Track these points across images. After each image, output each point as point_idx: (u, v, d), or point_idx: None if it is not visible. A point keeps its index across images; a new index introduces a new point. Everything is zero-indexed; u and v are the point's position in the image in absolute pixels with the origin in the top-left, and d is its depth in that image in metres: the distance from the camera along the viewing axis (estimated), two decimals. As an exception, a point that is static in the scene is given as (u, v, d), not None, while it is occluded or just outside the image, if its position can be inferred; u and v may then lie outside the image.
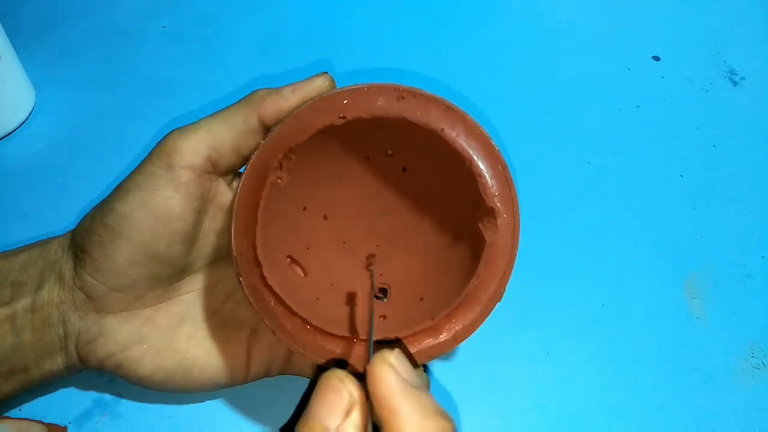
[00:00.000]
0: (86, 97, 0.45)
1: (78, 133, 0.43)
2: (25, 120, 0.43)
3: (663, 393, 0.34)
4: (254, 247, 0.24)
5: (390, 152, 0.28)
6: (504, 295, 0.25)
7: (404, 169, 0.28)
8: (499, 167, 0.25)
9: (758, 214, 0.41)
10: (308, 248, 0.28)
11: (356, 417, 0.19)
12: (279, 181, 0.25)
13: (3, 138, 0.42)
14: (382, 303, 0.27)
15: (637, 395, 0.33)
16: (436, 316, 0.24)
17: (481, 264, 0.24)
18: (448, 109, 0.24)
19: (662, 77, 0.50)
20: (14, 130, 0.43)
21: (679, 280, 0.38)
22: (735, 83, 0.50)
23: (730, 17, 0.55)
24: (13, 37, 0.42)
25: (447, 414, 0.18)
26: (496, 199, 0.24)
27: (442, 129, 0.24)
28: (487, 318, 0.25)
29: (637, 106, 0.48)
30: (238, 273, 0.24)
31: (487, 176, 0.24)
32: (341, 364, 0.25)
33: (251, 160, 0.24)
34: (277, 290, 0.24)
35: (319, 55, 0.49)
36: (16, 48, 0.42)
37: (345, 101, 0.24)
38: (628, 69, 0.50)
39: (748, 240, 0.40)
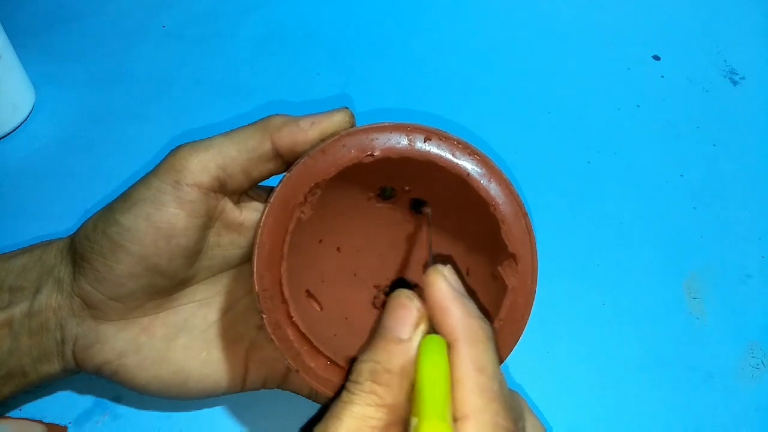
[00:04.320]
0: (86, 97, 0.45)
1: (77, 133, 0.43)
2: (25, 120, 0.43)
3: (663, 392, 0.34)
4: (280, 284, 0.24)
5: (407, 188, 0.28)
6: (521, 337, 0.26)
7: (419, 205, 0.28)
8: (520, 213, 0.25)
9: (758, 214, 0.41)
10: (323, 281, 0.28)
11: (423, 328, 0.21)
12: (302, 215, 0.25)
13: (3, 138, 0.42)
14: None
15: (637, 394, 0.33)
16: None
17: (503, 308, 0.25)
18: (474, 153, 0.25)
19: (662, 77, 0.50)
20: (14, 130, 0.43)
21: (679, 280, 0.38)
22: (735, 83, 0.50)
23: (730, 17, 0.55)
24: (13, 37, 0.42)
25: (485, 318, 0.21)
26: (517, 244, 0.25)
27: (468, 174, 0.25)
28: (509, 356, 0.26)
29: (637, 106, 0.48)
30: (261, 310, 0.24)
31: (509, 222, 0.25)
32: None
33: (275, 193, 0.24)
34: (304, 329, 0.24)
35: (318, 55, 0.49)
36: (16, 48, 0.42)
37: (373, 139, 0.25)
38: (628, 69, 0.50)
39: (748, 240, 0.40)
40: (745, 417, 0.33)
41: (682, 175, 0.43)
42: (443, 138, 0.25)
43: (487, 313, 0.26)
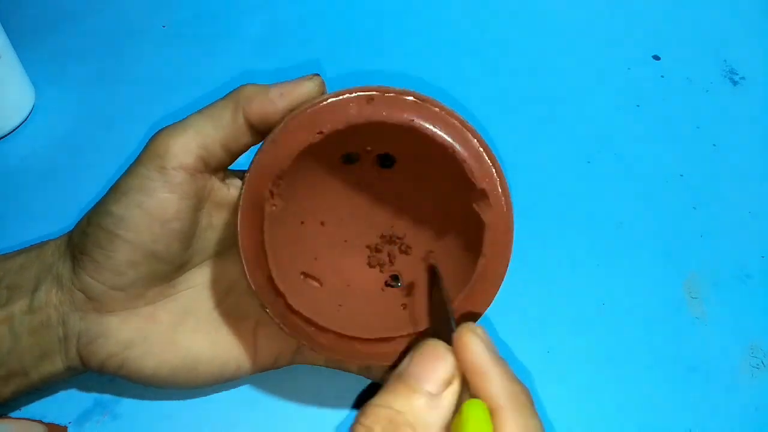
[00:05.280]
0: (86, 97, 0.45)
1: (78, 133, 0.43)
2: (25, 120, 0.43)
3: (662, 392, 0.34)
4: (272, 279, 0.24)
5: (369, 148, 0.28)
6: (508, 267, 0.26)
7: (386, 160, 0.29)
8: (480, 148, 0.25)
9: (758, 214, 0.41)
10: (316, 258, 0.28)
11: (456, 387, 0.20)
12: (274, 208, 0.25)
13: (3, 138, 0.42)
14: (399, 292, 0.29)
15: (636, 394, 0.33)
16: (454, 299, 0.26)
17: (485, 244, 0.25)
18: (420, 100, 0.25)
19: (662, 77, 0.50)
20: (14, 129, 0.43)
21: (679, 280, 0.38)
22: (735, 83, 0.50)
23: (730, 17, 0.55)
24: (13, 36, 0.42)
25: (522, 382, 0.20)
26: (484, 179, 0.25)
27: (420, 123, 0.25)
28: (498, 291, 0.26)
29: (637, 106, 0.48)
30: (263, 305, 0.24)
31: (470, 160, 0.25)
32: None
33: (242, 194, 0.25)
34: (306, 313, 0.25)
35: (318, 55, 0.49)
36: (17, 47, 0.42)
37: (318, 115, 0.25)
38: (628, 68, 0.50)
39: (748, 240, 0.40)
40: (745, 417, 0.33)
41: (682, 175, 0.43)
42: (386, 93, 0.25)
43: (470, 256, 0.26)
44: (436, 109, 0.25)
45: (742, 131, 0.46)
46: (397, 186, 0.29)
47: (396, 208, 0.30)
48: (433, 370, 0.20)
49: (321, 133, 0.24)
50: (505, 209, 0.25)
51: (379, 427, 0.19)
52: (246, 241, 0.24)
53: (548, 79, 0.49)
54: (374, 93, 0.25)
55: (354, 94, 0.25)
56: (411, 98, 0.25)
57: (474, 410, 0.19)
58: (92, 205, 0.27)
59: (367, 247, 0.30)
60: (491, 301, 0.26)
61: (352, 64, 0.49)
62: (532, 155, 0.43)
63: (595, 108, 0.47)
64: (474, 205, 0.26)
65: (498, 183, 0.25)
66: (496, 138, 0.44)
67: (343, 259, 0.29)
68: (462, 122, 0.25)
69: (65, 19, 0.50)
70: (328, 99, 0.25)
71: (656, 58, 0.51)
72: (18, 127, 0.43)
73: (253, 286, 0.24)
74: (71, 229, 0.28)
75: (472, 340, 0.20)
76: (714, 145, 0.45)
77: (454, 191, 0.27)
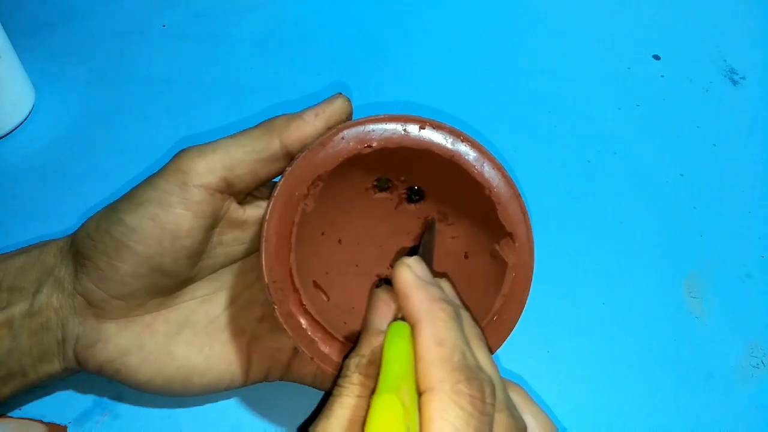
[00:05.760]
0: (86, 96, 0.45)
1: (77, 133, 0.43)
2: (25, 119, 0.43)
3: (663, 392, 0.34)
4: (291, 274, 0.24)
5: (403, 178, 0.28)
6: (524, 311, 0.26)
7: (415, 194, 0.29)
8: (514, 194, 0.26)
9: (758, 214, 0.41)
10: (327, 273, 0.28)
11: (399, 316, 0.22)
12: (306, 207, 0.25)
13: (3, 138, 0.42)
14: None
15: (636, 394, 0.33)
16: None
17: (505, 285, 0.26)
18: (467, 140, 0.26)
19: (662, 76, 0.50)
20: (14, 129, 0.43)
21: (679, 280, 0.38)
22: (735, 83, 0.50)
23: (730, 17, 0.55)
24: (12, 36, 0.42)
25: (451, 300, 0.22)
26: (514, 224, 0.26)
27: (463, 159, 0.26)
28: (512, 332, 0.27)
29: (637, 105, 0.48)
30: (272, 301, 0.24)
31: (505, 203, 0.26)
32: None
33: (278, 188, 0.25)
34: (317, 317, 0.25)
35: (318, 55, 0.49)
36: (16, 47, 0.42)
37: (370, 131, 0.25)
38: (628, 68, 0.50)
39: (747, 240, 0.40)
40: (745, 417, 0.33)
41: (682, 175, 0.43)
42: (437, 126, 0.26)
43: (486, 293, 0.26)
44: (479, 147, 0.26)
45: (742, 131, 0.46)
46: (418, 223, 0.29)
47: (413, 241, 0.30)
48: (382, 313, 0.22)
49: (370, 146, 0.25)
50: (528, 256, 0.26)
51: (351, 372, 0.21)
52: (272, 231, 0.24)
53: (548, 79, 0.49)
54: (426, 123, 0.26)
55: (406, 120, 0.26)
56: (457, 134, 0.26)
57: (391, 329, 0.21)
58: (93, 205, 0.27)
59: (377, 275, 0.30)
60: (503, 343, 0.27)
61: (352, 63, 0.49)
62: (533, 155, 0.43)
63: (595, 108, 0.47)
64: (497, 247, 0.26)
65: (525, 229, 0.26)
66: (496, 138, 0.44)
67: (352, 281, 0.29)
68: (498, 165, 0.26)
69: (65, 19, 0.50)
70: (382, 118, 0.25)
71: (656, 58, 0.51)
72: (18, 126, 0.43)
73: (266, 279, 0.24)
74: (73, 230, 0.28)
75: (400, 270, 0.22)
76: (714, 145, 0.45)
77: (477, 231, 0.27)
